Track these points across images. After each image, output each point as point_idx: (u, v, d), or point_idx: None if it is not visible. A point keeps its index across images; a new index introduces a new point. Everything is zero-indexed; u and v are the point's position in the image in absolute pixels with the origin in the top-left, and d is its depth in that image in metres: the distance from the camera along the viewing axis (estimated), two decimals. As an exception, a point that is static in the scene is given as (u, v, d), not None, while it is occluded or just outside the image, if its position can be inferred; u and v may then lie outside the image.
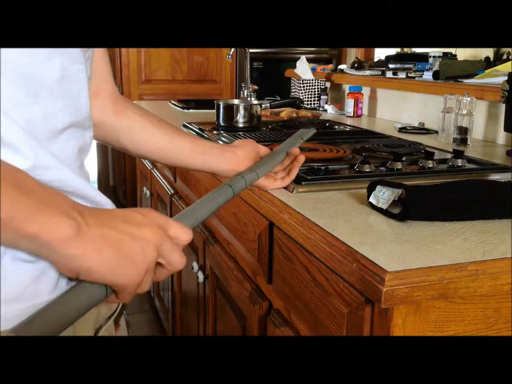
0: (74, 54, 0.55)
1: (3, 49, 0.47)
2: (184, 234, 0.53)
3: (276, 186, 0.92)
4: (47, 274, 0.51)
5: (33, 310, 0.48)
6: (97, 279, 0.47)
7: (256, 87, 2.21)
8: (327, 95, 2.44)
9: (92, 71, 0.66)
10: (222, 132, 1.63)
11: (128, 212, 0.51)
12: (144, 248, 0.49)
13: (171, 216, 0.58)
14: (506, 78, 1.41)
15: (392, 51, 3.00)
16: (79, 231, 0.45)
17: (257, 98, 2.17)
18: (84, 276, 0.47)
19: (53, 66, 0.52)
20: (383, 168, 1.15)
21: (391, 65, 2.17)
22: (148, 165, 2.33)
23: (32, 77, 0.51)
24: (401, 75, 2.13)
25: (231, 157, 0.86)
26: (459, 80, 1.81)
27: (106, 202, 0.59)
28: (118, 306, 0.68)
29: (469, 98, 1.51)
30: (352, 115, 2.20)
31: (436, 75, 1.86)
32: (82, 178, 0.55)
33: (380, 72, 2.25)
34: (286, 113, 2.08)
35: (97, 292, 0.48)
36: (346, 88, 2.36)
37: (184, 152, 0.84)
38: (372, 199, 0.85)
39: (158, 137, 0.82)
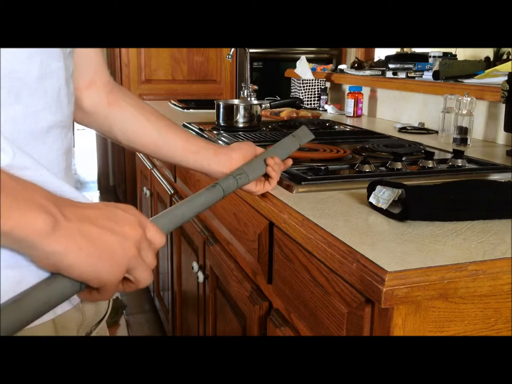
0: (53, 51, 0.55)
1: None
2: (159, 239, 0.53)
3: (265, 190, 0.91)
4: (27, 280, 0.49)
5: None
6: (78, 276, 0.47)
7: (256, 87, 2.21)
8: (327, 95, 2.44)
9: (78, 64, 0.66)
10: (222, 131, 1.63)
11: (110, 207, 0.50)
12: (123, 244, 0.49)
13: None
14: (506, 78, 1.41)
15: (392, 51, 3.00)
16: (56, 225, 0.44)
17: (257, 98, 2.17)
18: (64, 272, 0.46)
19: (34, 65, 0.52)
20: (383, 168, 1.15)
21: (391, 65, 2.17)
22: (148, 164, 2.33)
23: (13, 76, 0.50)
24: (401, 75, 2.13)
25: (225, 160, 0.85)
26: (459, 80, 1.81)
27: None
28: (107, 310, 0.67)
29: (469, 98, 1.51)
30: (352, 115, 2.20)
31: (436, 75, 1.86)
32: (62, 180, 0.54)
33: (380, 72, 2.25)
34: (286, 113, 2.08)
35: (71, 285, 0.48)
36: (346, 88, 2.36)
37: (177, 149, 0.83)
38: (371, 199, 0.85)
39: (151, 131, 0.81)
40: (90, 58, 0.73)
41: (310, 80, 2.45)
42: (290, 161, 0.92)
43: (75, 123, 0.76)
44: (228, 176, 0.77)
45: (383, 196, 0.83)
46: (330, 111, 2.35)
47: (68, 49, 0.59)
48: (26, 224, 0.42)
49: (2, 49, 0.49)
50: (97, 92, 0.76)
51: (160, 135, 0.81)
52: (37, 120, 0.53)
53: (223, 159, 0.85)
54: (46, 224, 0.43)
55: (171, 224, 0.60)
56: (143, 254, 0.51)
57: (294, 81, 2.52)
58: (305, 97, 2.43)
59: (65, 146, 0.58)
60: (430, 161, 1.17)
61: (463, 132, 1.52)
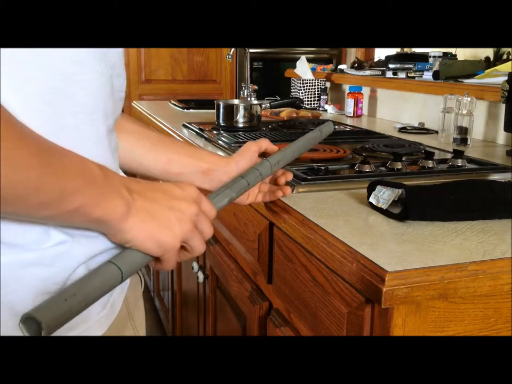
0: (112, 59, 0.58)
1: (48, 55, 0.50)
2: (211, 212, 0.61)
3: (257, 201, 0.85)
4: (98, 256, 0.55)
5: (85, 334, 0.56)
6: (140, 245, 0.53)
7: (256, 87, 2.21)
8: (327, 95, 2.44)
9: None
10: (222, 131, 1.63)
11: (170, 185, 0.58)
12: (180, 218, 0.56)
13: None
14: (506, 78, 1.41)
15: (392, 51, 3.00)
16: (129, 208, 0.52)
17: (257, 98, 2.17)
18: (129, 243, 0.53)
19: (97, 73, 0.55)
20: (383, 168, 1.15)
21: (391, 65, 2.17)
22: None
23: (78, 86, 0.53)
24: (401, 75, 2.13)
25: (218, 181, 0.78)
26: (459, 80, 1.81)
27: None
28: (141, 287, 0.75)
29: (469, 98, 1.51)
30: (352, 115, 2.20)
31: (436, 75, 1.86)
32: None
33: (380, 72, 2.25)
34: (286, 113, 2.08)
35: (142, 256, 0.55)
36: (346, 88, 2.36)
37: (156, 170, 0.78)
38: (371, 199, 0.85)
39: (138, 149, 0.77)
40: None
41: (310, 80, 2.45)
42: (290, 176, 0.85)
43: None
44: (262, 161, 0.78)
45: (383, 196, 0.83)
46: (330, 111, 2.35)
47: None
48: (111, 211, 0.50)
49: (68, 59, 0.51)
50: None
51: (137, 155, 0.78)
52: (98, 127, 0.56)
53: (216, 176, 0.79)
54: (123, 209, 0.51)
55: (222, 202, 0.68)
56: (200, 226, 0.58)
57: (294, 81, 2.52)
58: (305, 97, 2.43)
59: (115, 146, 0.62)
60: (430, 161, 1.17)
61: (463, 132, 1.52)
